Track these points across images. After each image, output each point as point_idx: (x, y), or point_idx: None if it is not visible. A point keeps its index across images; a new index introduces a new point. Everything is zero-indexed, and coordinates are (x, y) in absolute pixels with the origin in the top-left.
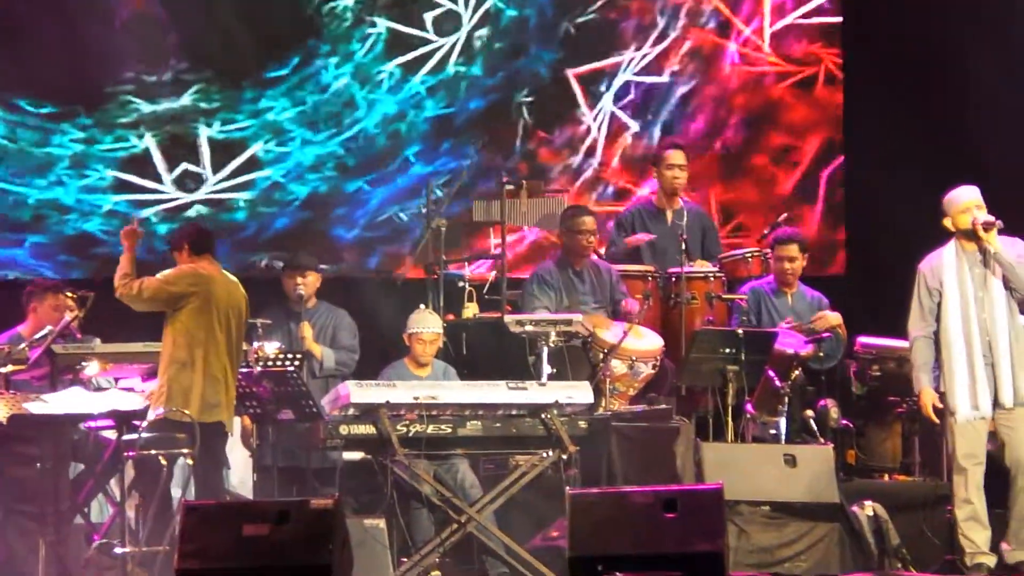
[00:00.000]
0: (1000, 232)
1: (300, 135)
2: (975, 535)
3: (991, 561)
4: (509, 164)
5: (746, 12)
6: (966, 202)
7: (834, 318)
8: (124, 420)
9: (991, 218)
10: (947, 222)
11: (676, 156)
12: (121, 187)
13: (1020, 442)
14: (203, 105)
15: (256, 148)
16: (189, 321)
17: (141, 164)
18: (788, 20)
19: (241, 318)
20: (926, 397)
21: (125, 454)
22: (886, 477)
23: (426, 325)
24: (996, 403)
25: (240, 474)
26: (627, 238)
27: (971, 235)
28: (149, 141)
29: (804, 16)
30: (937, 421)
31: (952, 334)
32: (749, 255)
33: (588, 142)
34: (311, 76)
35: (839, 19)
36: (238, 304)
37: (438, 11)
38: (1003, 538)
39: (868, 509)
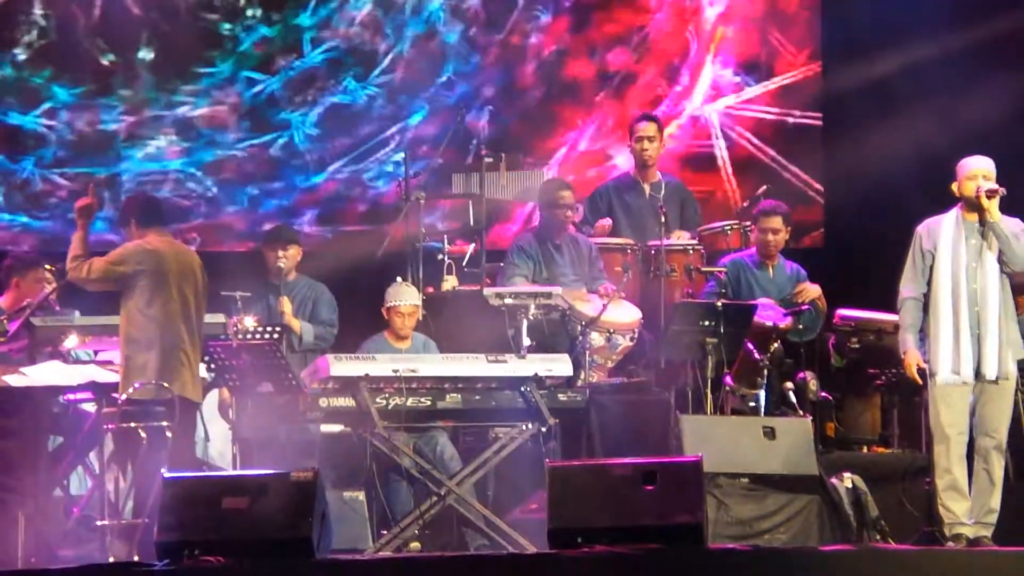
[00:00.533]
0: (1001, 202)
1: (208, 136)
2: (954, 505)
3: (970, 532)
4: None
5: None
6: (974, 169)
7: (814, 290)
8: (103, 393)
9: (995, 186)
10: (954, 187)
11: (646, 128)
12: (181, 149)
13: (991, 415)
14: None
15: (160, 141)
16: (141, 298)
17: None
18: (718, 105)
19: (197, 286)
20: (911, 358)
21: (104, 427)
22: (865, 449)
23: (404, 298)
24: (978, 375)
25: (219, 446)
26: (596, 224)
27: (974, 205)
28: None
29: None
30: (920, 382)
31: (941, 300)
32: (728, 228)
33: None
34: (334, 11)
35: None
36: (192, 273)
37: None
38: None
39: (847, 481)
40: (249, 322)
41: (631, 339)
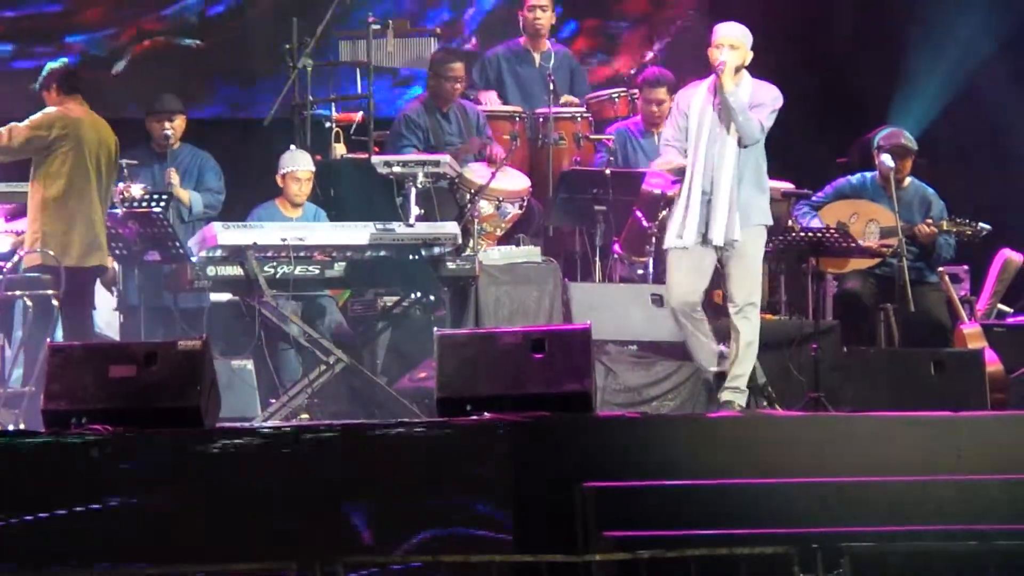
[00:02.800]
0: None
1: None
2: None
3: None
4: None
5: None
6: (716, 38)
7: None
8: None
9: (722, 59)
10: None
11: None
12: None
13: (731, 280)
14: None
15: None
16: (61, 165)
17: None
18: None
19: (111, 159)
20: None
21: None
22: None
23: (301, 163)
24: (706, 240)
25: (106, 316)
26: (479, 94)
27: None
28: None
29: None
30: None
31: (688, 166)
32: (616, 95)
33: None
34: None
35: None
36: (108, 145)
37: None
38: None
39: None
40: (136, 190)
41: (520, 207)
